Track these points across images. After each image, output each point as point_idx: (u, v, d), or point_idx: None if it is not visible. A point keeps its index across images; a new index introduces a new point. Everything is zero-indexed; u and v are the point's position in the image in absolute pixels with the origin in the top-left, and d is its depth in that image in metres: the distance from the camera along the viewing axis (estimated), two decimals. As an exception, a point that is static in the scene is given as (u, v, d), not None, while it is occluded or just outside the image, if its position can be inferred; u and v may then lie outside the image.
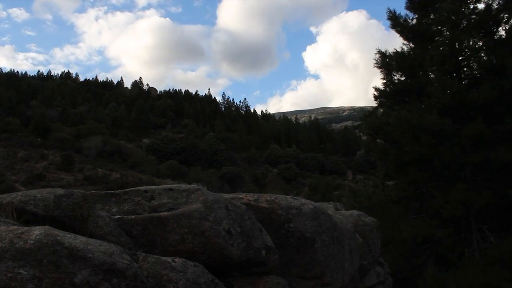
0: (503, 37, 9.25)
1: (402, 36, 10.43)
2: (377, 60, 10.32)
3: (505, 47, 8.71)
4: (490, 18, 9.19)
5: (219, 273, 2.49)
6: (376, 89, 10.40)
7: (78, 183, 38.19)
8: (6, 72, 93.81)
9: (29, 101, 70.02)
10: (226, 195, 3.15)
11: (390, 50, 10.37)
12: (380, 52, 10.34)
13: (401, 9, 16.30)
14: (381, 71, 10.31)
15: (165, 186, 2.81)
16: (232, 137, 72.49)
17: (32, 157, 44.15)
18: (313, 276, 3.29)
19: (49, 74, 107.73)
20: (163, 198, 2.66)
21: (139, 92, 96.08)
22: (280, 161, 65.46)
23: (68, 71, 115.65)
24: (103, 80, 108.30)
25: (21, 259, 1.64)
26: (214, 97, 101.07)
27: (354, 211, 5.56)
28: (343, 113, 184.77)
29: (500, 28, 9.39)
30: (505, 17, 9.24)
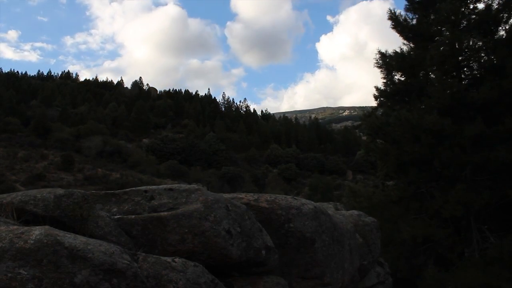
0: (503, 37, 9.25)
1: (402, 36, 10.43)
2: (377, 60, 10.33)
3: (505, 47, 8.71)
4: (490, 18, 9.19)
5: (219, 273, 2.49)
6: (377, 89, 10.40)
7: (78, 183, 38.20)
8: (6, 72, 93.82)
9: (29, 101, 70.00)
10: (226, 195, 3.15)
11: (390, 50, 10.38)
12: (380, 52, 10.35)
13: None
14: (381, 71, 10.32)
15: (165, 186, 2.81)
16: (232, 137, 72.46)
17: (32, 157, 44.16)
18: (313, 276, 3.29)
19: (49, 74, 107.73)
20: (163, 198, 2.66)
21: (139, 92, 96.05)
22: (280, 161, 65.44)
23: (68, 71, 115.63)
24: (103, 80, 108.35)
25: (21, 259, 1.64)
26: (214, 97, 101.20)
27: (354, 211, 5.55)
28: (343, 113, 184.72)
29: (500, 28, 9.39)
30: (505, 17, 9.24)
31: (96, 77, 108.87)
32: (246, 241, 2.66)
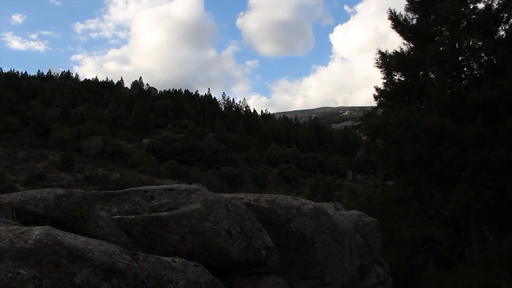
0: (503, 37, 9.25)
1: (402, 36, 10.43)
2: (377, 60, 10.32)
3: (505, 47, 8.71)
4: (490, 18, 9.19)
5: (219, 273, 2.49)
6: (376, 89, 10.40)
7: (78, 183, 38.20)
8: (6, 72, 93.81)
9: (29, 101, 69.98)
10: (226, 195, 3.15)
11: (390, 50, 10.38)
12: (380, 52, 10.35)
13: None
14: (381, 71, 10.32)
15: (165, 186, 2.81)
16: (232, 137, 72.45)
17: (32, 157, 44.16)
18: (313, 276, 3.29)
19: (49, 74, 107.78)
20: (163, 198, 2.66)
21: (139, 92, 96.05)
22: (280, 161, 65.42)
23: (68, 71, 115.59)
24: (103, 80, 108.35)
25: (21, 259, 1.64)
26: (214, 97, 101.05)
27: (354, 211, 5.56)
28: (343, 113, 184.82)
29: (500, 28, 9.39)
30: (505, 17, 9.25)
31: (96, 77, 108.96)
32: (246, 241, 2.66)
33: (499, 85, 8.23)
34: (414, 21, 10.31)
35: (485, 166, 8.43)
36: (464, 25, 9.36)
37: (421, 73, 9.92)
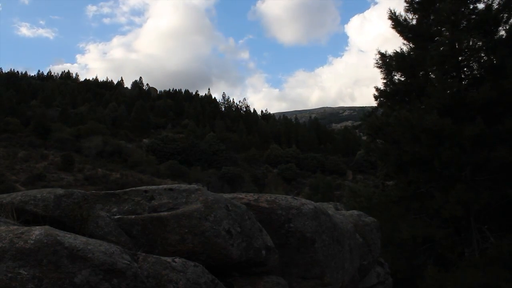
0: (503, 37, 9.25)
1: (402, 36, 10.43)
2: (377, 60, 10.33)
3: (505, 47, 8.71)
4: (490, 18, 9.19)
5: (219, 273, 2.49)
6: (376, 89, 10.40)
7: (78, 183, 38.21)
8: (6, 72, 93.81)
9: (29, 101, 69.98)
10: (226, 195, 3.15)
11: (390, 50, 10.38)
12: (380, 52, 10.35)
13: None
14: (381, 71, 10.32)
15: (165, 186, 2.81)
16: (232, 137, 72.45)
17: (32, 157, 44.16)
18: (313, 276, 3.29)
19: (49, 74, 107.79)
20: (163, 198, 2.66)
21: (139, 92, 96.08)
22: (280, 161, 65.42)
23: (68, 71, 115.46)
24: (103, 80, 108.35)
25: (21, 259, 1.64)
26: (214, 97, 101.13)
27: (354, 211, 5.55)
28: (343, 113, 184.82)
29: (500, 28, 9.39)
30: (505, 17, 9.25)
31: (96, 77, 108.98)
32: (246, 241, 2.66)
33: (499, 85, 8.23)
34: (414, 22, 10.32)
35: (485, 166, 8.43)
36: (464, 25, 9.36)
37: (421, 73, 9.92)
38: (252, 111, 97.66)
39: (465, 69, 9.56)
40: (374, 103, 10.72)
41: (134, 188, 2.83)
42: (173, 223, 2.46)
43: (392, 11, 10.40)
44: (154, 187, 2.80)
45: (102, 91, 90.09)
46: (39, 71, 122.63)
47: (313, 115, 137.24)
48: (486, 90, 8.21)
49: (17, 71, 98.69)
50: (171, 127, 78.45)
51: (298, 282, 3.23)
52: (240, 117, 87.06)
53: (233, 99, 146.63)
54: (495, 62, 8.92)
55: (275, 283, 2.83)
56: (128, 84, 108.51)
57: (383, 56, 10.29)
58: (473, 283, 7.35)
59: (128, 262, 1.87)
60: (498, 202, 8.32)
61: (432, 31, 9.94)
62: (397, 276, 7.43)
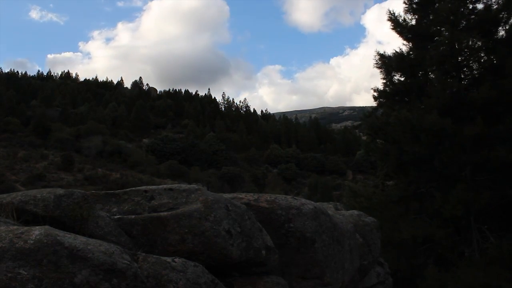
0: (503, 37, 9.25)
1: (401, 37, 10.42)
2: (376, 61, 10.33)
3: (505, 47, 8.71)
4: (490, 18, 9.19)
5: (219, 273, 2.49)
6: (376, 89, 10.40)
7: (78, 183, 38.18)
8: (6, 72, 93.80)
9: (29, 101, 69.92)
10: (226, 195, 3.15)
11: (389, 51, 10.38)
12: (379, 53, 10.36)
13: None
14: (381, 72, 10.32)
15: (165, 186, 2.81)
16: (232, 137, 72.42)
17: (32, 157, 44.15)
18: (313, 276, 3.29)
19: (49, 74, 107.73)
20: (163, 198, 2.66)
21: (139, 92, 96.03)
22: (280, 161, 65.39)
23: (68, 71, 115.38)
24: (103, 80, 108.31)
25: (21, 259, 1.64)
26: (214, 97, 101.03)
27: (354, 211, 5.55)
28: (343, 113, 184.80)
29: (500, 28, 9.39)
30: (505, 17, 9.24)
31: (96, 77, 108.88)
32: (246, 241, 2.66)
33: (499, 85, 8.23)
34: (413, 22, 10.32)
35: (485, 166, 8.43)
36: (463, 25, 9.36)
37: (420, 73, 9.92)
38: (252, 111, 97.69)
39: (465, 69, 9.55)
40: (374, 103, 10.73)
41: (134, 188, 2.84)
42: (173, 223, 2.46)
43: (392, 12, 10.41)
44: (154, 187, 2.80)
45: (102, 91, 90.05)
46: (39, 71, 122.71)
47: (313, 115, 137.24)
48: (486, 90, 8.21)
49: (17, 71, 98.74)
50: (171, 127, 78.43)
51: (298, 282, 3.24)
52: (240, 117, 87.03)
53: (233, 99, 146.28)
54: (495, 62, 8.92)
55: (275, 283, 2.83)
56: (128, 84, 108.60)
57: (382, 56, 10.30)
58: (473, 283, 7.35)
59: (128, 262, 1.87)
60: (498, 202, 8.32)
61: (432, 31, 9.94)
62: (397, 276, 7.43)
